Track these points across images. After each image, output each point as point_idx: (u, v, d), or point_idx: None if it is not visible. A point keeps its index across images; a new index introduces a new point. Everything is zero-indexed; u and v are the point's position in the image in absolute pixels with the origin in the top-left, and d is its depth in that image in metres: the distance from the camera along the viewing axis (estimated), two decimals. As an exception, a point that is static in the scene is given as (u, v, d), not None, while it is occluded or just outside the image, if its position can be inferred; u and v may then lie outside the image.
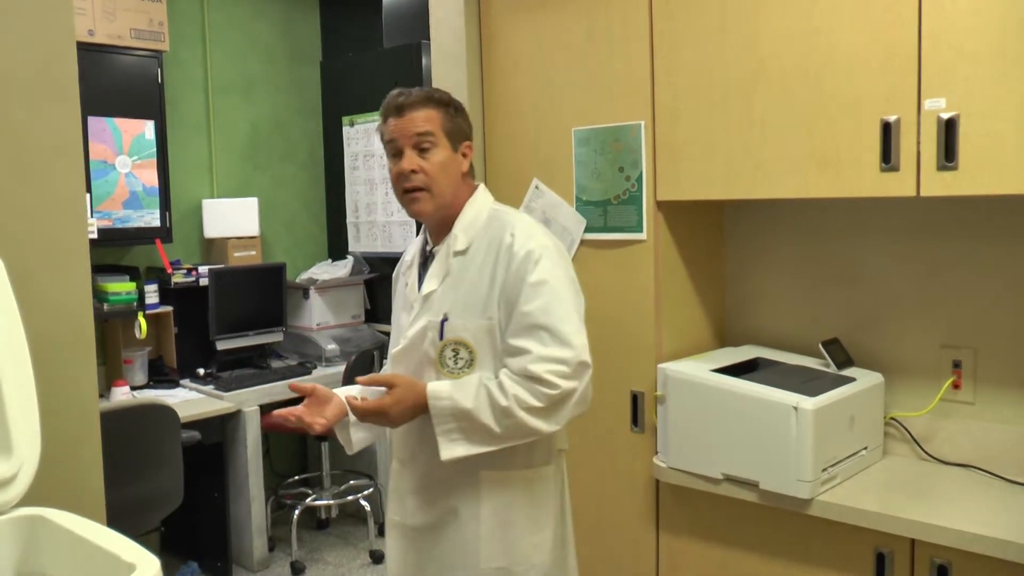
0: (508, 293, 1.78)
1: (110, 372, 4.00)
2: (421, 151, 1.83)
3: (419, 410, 1.77)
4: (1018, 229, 2.15)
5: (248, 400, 3.92)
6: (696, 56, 2.27)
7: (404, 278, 2.01)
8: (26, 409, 1.06)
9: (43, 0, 1.78)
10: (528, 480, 1.86)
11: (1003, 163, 1.81)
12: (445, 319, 1.83)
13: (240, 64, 4.61)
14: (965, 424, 2.23)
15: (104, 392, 3.90)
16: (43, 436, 1.78)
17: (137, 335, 3.86)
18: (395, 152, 1.86)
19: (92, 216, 3.67)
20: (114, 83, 3.77)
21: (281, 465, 4.76)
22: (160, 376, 4.09)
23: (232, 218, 4.34)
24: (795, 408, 2.02)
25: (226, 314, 4.20)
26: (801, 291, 2.54)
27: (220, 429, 3.86)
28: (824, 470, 2.06)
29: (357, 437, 1.97)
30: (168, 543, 4.12)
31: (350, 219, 4.78)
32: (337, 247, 4.93)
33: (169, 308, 4.04)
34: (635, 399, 2.48)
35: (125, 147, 3.78)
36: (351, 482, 4.52)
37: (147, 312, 3.90)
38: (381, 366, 4.25)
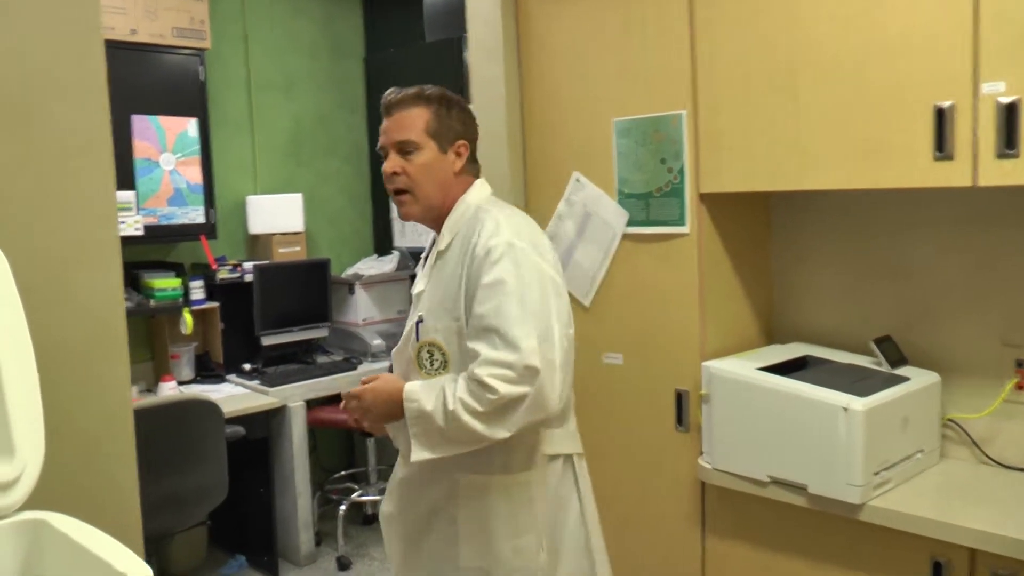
0: (469, 293, 1.75)
1: (158, 367, 4.05)
2: (404, 154, 1.84)
3: (395, 406, 1.76)
4: (1085, 219, 2.04)
5: (293, 395, 3.93)
6: (738, 43, 2.18)
7: None
8: (29, 409, 1.03)
9: (71, -3, 1.77)
10: (506, 486, 1.81)
11: (1068, 150, 1.70)
12: (420, 320, 1.84)
13: (282, 61, 4.61)
14: (1028, 425, 2.12)
15: (152, 387, 3.95)
16: (74, 435, 1.79)
17: (183, 331, 3.89)
18: (384, 153, 1.88)
19: (137, 213, 3.70)
20: (157, 82, 3.79)
21: (328, 460, 4.77)
22: (207, 371, 4.12)
23: (276, 214, 4.35)
24: (845, 409, 1.93)
25: (271, 310, 4.21)
26: (851, 286, 2.44)
27: (266, 424, 3.87)
28: (876, 474, 1.97)
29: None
30: (215, 537, 4.16)
31: (395, 215, 4.76)
32: (383, 242, 4.92)
33: (215, 304, 4.06)
34: (679, 398, 2.41)
35: (169, 145, 3.81)
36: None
37: (193, 308, 3.92)
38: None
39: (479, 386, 1.63)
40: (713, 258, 2.38)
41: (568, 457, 1.91)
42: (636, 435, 2.52)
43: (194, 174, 3.90)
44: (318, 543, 4.15)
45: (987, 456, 2.17)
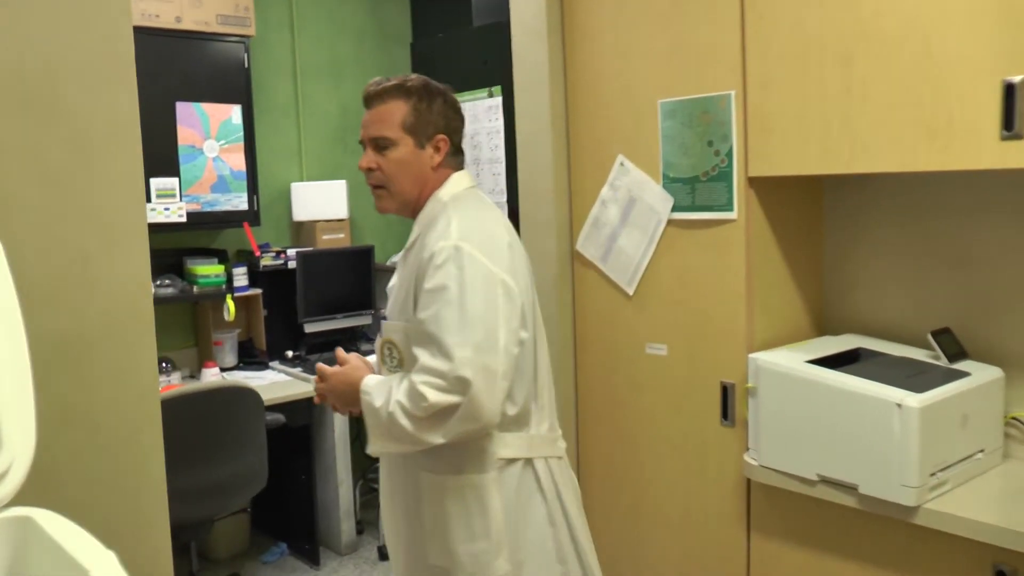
0: (417, 297, 1.75)
1: (201, 353, 4.06)
2: (380, 149, 1.83)
3: (354, 396, 1.79)
4: None
5: (335, 383, 3.89)
6: (790, 19, 2.07)
7: None
8: (20, 400, 0.99)
9: (99, -21, 1.74)
10: (460, 487, 1.78)
11: None
12: (383, 317, 1.87)
13: (328, 47, 4.59)
14: (1100, 425, 1.98)
15: (195, 372, 3.96)
16: (98, 426, 1.77)
17: (226, 317, 3.88)
18: (364, 146, 1.87)
19: (181, 200, 3.70)
20: (201, 69, 3.78)
21: (371, 448, 4.74)
22: (250, 358, 4.12)
23: (320, 201, 4.33)
24: (899, 405, 1.82)
25: (314, 297, 4.20)
26: (908, 275, 2.31)
27: (308, 412, 3.85)
28: (932, 475, 1.85)
29: None
30: (258, 524, 4.16)
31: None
32: (427, 230, 4.86)
33: (258, 291, 4.05)
34: (725, 391, 2.31)
35: (212, 132, 3.80)
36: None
37: (236, 295, 3.92)
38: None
39: (415, 392, 1.65)
40: (762, 245, 2.27)
41: (528, 461, 1.83)
42: (680, 429, 2.43)
43: (237, 161, 3.89)
44: (360, 532, 4.13)
45: (1054, 457, 2.04)
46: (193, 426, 3.07)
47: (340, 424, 3.89)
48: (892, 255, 2.34)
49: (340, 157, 4.64)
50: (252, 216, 3.97)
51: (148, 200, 3.61)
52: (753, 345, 2.26)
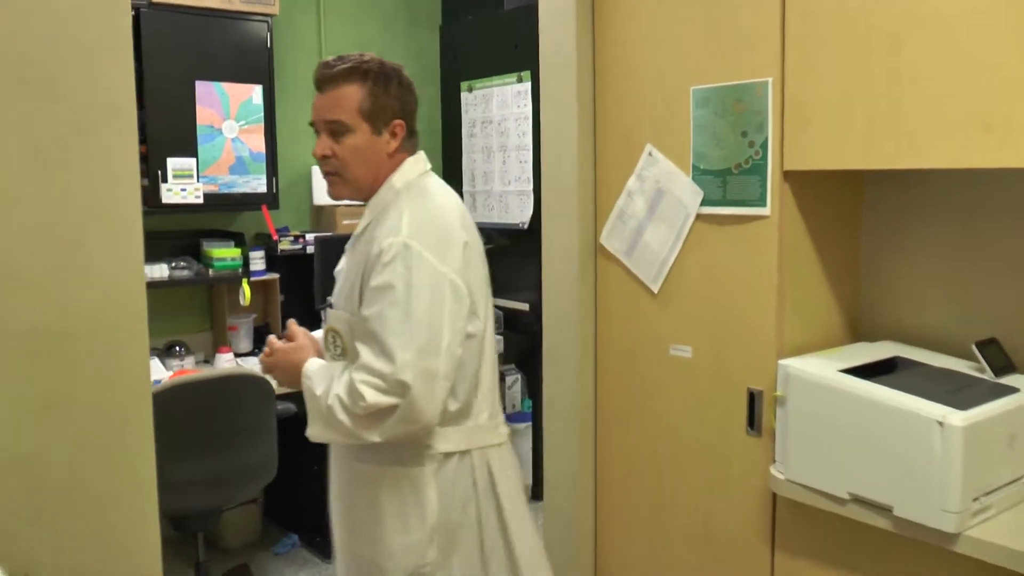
0: (362, 292, 1.72)
1: (216, 338, 3.99)
2: (335, 135, 1.77)
3: (296, 377, 1.78)
4: None
5: (351, 373, 3.81)
6: (835, 1, 1.92)
7: None
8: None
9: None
10: (396, 478, 1.76)
11: None
12: (330, 305, 1.84)
13: (356, 29, 4.49)
14: None
15: (209, 357, 3.89)
16: (88, 418, 1.68)
17: (241, 302, 3.80)
18: (316, 131, 1.82)
19: (198, 181, 3.62)
20: (222, 47, 3.69)
21: (387, 439, 4.66)
22: (265, 344, 4.04)
23: (341, 185, 4.23)
24: (941, 423, 1.67)
25: (332, 283, 4.09)
26: (953, 280, 2.15)
27: (321, 402, 3.76)
28: (975, 499, 1.70)
29: None
30: (270, 514, 4.09)
31: (466, 188, 4.62)
32: (452, 217, 4.76)
33: (275, 275, 3.96)
34: (752, 398, 2.18)
35: (232, 112, 3.71)
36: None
37: (252, 279, 3.84)
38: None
39: (354, 390, 1.63)
40: (796, 243, 2.13)
41: (466, 453, 1.81)
42: (703, 436, 2.30)
43: (257, 142, 3.80)
44: (372, 525, 4.04)
45: (1109, 483, 1.88)
46: (201, 414, 2.99)
47: (354, 415, 3.80)
48: (936, 257, 2.19)
49: (364, 141, 4.53)
50: (271, 199, 3.89)
51: (164, 180, 3.53)
52: (783, 350, 2.12)
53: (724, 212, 2.22)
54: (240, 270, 3.80)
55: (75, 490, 1.68)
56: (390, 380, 1.61)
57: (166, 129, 3.56)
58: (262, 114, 3.80)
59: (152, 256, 3.72)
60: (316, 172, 4.22)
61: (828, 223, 2.21)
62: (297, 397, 3.38)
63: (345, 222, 4.18)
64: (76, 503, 1.68)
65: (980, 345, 1.96)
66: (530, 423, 4.38)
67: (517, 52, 4.20)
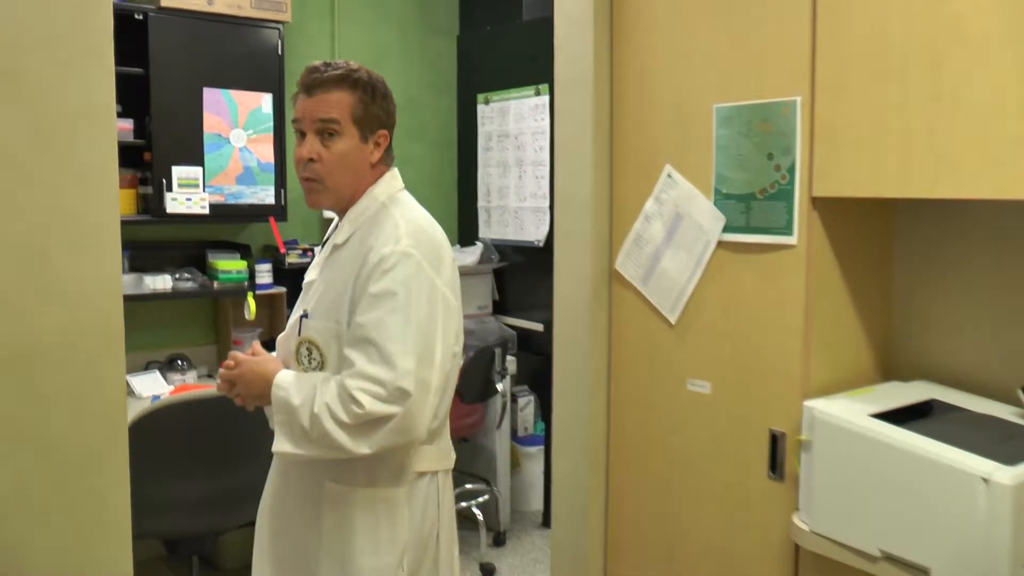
0: (355, 299, 1.66)
1: (220, 352, 3.89)
2: (324, 137, 1.71)
3: (265, 389, 1.69)
4: None
5: (357, 391, 3.69)
6: (870, 14, 1.80)
7: None
8: None
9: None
10: (370, 500, 1.70)
11: None
12: (305, 315, 1.76)
13: (370, 36, 4.39)
14: None
15: (212, 372, 3.78)
16: (57, 446, 1.57)
17: (246, 316, 3.69)
18: (300, 134, 1.75)
19: (204, 191, 3.52)
20: (232, 54, 3.60)
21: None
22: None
23: (353, 198, 4.13)
24: (986, 480, 1.52)
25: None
26: (995, 317, 2.00)
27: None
28: None
29: None
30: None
31: (481, 203, 4.51)
32: (467, 232, 4.66)
33: (282, 289, 3.85)
34: (774, 440, 2.03)
35: (240, 120, 3.61)
36: (467, 486, 4.22)
37: (258, 292, 3.73)
38: (503, 363, 3.99)
39: (348, 397, 1.57)
40: (823, 275, 1.99)
41: (434, 474, 1.79)
42: (721, 478, 2.16)
43: (266, 152, 3.70)
44: (377, 549, 3.92)
45: None
46: (196, 434, 2.88)
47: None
48: (975, 292, 2.04)
49: (377, 152, 4.43)
50: (279, 211, 3.78)
51: (169, 189, 3.44)
52: (809, 389, 1.98)
53: (747, 240, 2.08)
54: (246, 283, 3.70)
55: (36, 531, 1.57)
56: (390, 387, 1.57)
57: (172, 137, 3.46)
58: (271, 123, 3.70)
59: (156, 267, 3.63)
60: (326, 183, 4.11)
61: (858, 253, 2.07)
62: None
63: (355, 235, 4.07)
64: (36, 547, 1.56)
65: (1025, 389, 1.82)
66: (542, 447, 4.24)
67: (535, 64, 4.09)
